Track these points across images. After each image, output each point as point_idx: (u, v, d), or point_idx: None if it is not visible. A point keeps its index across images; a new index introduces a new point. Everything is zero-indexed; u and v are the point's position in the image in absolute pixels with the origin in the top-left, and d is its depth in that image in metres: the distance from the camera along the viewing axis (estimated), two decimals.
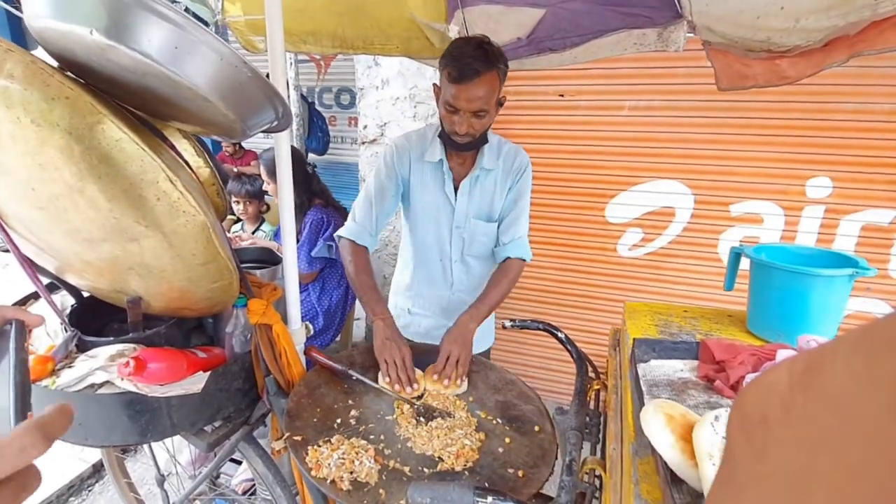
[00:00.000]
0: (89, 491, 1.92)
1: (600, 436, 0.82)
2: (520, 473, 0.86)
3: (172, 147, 0.88)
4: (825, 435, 0.15)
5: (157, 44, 0.58)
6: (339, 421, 0.97)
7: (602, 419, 0.84)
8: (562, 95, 2.28)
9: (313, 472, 0.81)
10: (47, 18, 0.58)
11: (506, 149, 1.42)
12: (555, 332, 1.02)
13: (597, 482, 0.71)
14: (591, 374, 0.97)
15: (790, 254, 0.92)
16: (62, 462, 1.89)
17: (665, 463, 0.49)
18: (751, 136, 2.01)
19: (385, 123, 2.67)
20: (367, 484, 0.81)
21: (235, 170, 4.11)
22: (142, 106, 0.79)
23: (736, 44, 1.20)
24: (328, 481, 0.80)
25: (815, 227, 2.06)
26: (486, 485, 0.84)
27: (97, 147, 0.66)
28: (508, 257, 1.39)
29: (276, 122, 0.82)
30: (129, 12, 0.56)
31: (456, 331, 1.21)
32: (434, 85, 1.33)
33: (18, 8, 0.70)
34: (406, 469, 0.86)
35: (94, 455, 1.92)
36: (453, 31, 2.12)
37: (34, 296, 1.13)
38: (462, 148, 1.30)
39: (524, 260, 1.41)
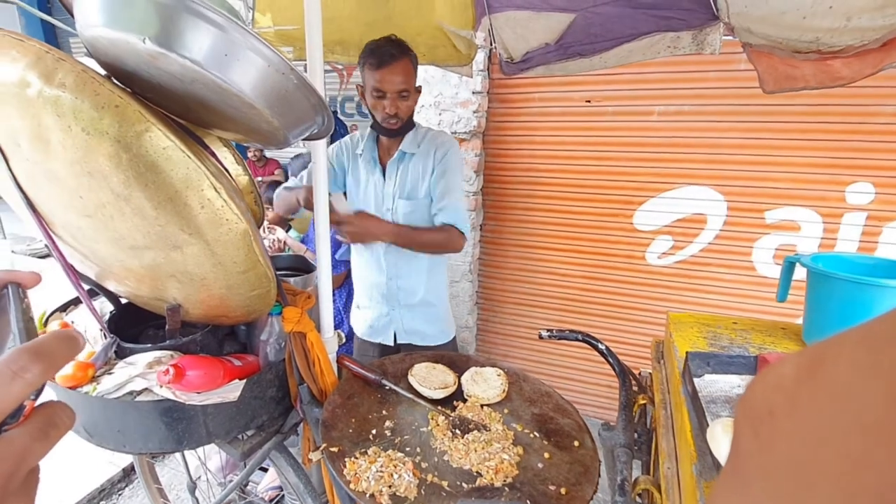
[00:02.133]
0: (119, 495, 1.94)
1: (651, 453, 0.78)
2: (562, 491, 0.83)
3: (213, 155, 0.88)
4: (830, 427, 0.15)
5: (208, 51, 0.58)
6: (374, 432, 0.95)
7: (651, 436, 0.81)
8: (589, 101, 2.25)
9: (352, 486, 0.79)
10: (100, 27, 0.59)
11: (429, 134, 1.56)
12: (595, 343, 0.99)
13: (650, 503, 0.68)
14: (635, 388, 0.93)
15: (847, 263, 0.87)
16: (93, 466, 1.91)
17: None
18: (787, 141, 1.95)
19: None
20: (407, 499, 0.79)
21: (259, 179, 4.18)
22: (185, 114, 0.79)
23: (781, 45, 1.15)
24: (367, 495, 0.78)
25: (856, 234, 1.98)
26: (528, 502, 0.81)
27: (145, 155, 0.66)
28: (444, 223, 1.48)
29: (316, 129, 0.82)
30: (181, 20, 0.56)
31: (371, 218, 1.41)
32: (357, 86, 1.51)
33: (55, 16, 0.71)
34: (444, 484, 0.84)
35: (124, 459, 1.94)
36: (480, 38, 2.12)
37: (74, 301, 1.15)
38: (392, 133, 1.48)
39: (461, 232, 1.47)
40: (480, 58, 2.26)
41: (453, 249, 1.51)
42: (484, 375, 1.14)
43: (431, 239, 1.48)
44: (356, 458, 0.85)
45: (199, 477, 1.47)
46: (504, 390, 1.10)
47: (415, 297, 1.60)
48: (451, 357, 1.27)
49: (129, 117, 0.65)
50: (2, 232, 4.40)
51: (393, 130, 1.47)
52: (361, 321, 1.72)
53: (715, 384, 0.71)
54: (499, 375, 1.14)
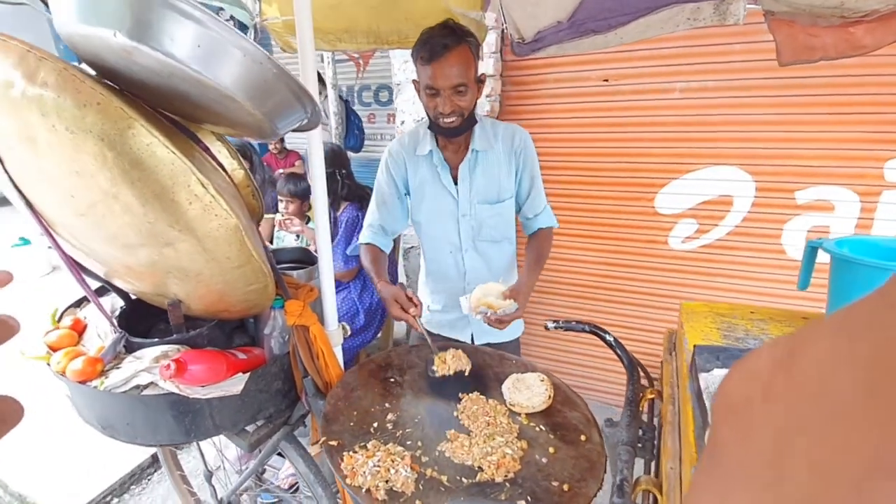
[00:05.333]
0: (148, 480, 2.02)
1: (655, 452, 0.74)
2: (565, 487, 0.81)
3: (206, 150, 0.88)
4: (807, 415, 0.15)
5: (180, 43, 0.56)
6: (375, 425, 0.95)
7: (657, 433, 0.77)
8: (606, 80, 2.15)
9: (348, 480, 0.79)
10: (74, 24, 0.58)
11: (501, 128, 1.41)
12: (603, 334, 0.95)
13: None
14: (644, 382, 0.89)
15: (877, 247, 0.80)
16: (124, 452, 2.00)
17: None
18: (820, 116, 1.81)
19: (422, 118, 2.63)
20: (403, 494, 0.78)
21: (280, 171, 4.22)
22: (174, 109, 0.79)
23: (804, 11, 1.06)
24: (363, 490, 0.77)
25: (895, 214, 1.85)
26: (529, 499, 0.78)
27: (128, 152, 0.65)
28: (540, 228, 1.44)
29: (305, 121, 0.80)
30: (151, 11, 0.54)
31: (522, 287, 1.27)
32: (413, 81, 1.33)
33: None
34: (444, 479, 0.82)
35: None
36: (490, 19, 2.05)
37: (87, 298, 1.18)
38: (452, 133, 1.30)
39: (553, 227, 1.46)
40: (492, 39, 2.20)
41: None
42: (526, 382, 1.06)
43: (545, 257, 1.40)
44: (354, 452, 0.85)
45: (219, 467, 1.51)
46: (549, 396, 1.02)
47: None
48: (465, 349, 1.25)
49: (112, 114, 0.64)
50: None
51: (452, 129, 1.28)
52: (433, 324, 1.58)
53: None
54: (542, 381, 1.05)
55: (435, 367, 1.13)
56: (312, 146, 0.94)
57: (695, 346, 0.69)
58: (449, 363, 1.14)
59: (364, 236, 1.47)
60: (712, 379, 0.67)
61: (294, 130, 0.82)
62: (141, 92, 0.72)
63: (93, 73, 0.71)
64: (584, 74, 2.17)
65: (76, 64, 0.68)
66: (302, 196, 2.34)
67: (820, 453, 0.14)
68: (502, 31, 2.15)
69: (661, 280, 2.29)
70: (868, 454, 0.13)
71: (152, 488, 1.98)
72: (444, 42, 1.18)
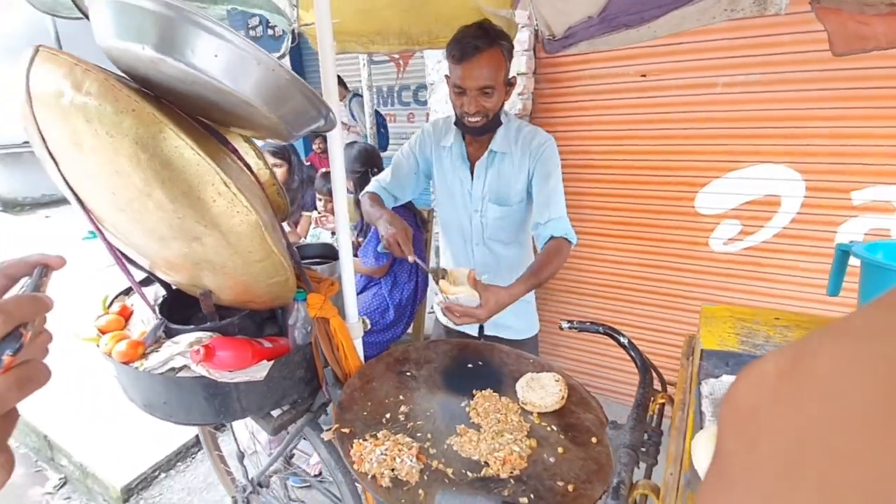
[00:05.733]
0: (192, 458, 2.17)
1: (660, 458, 0.73)
2: (570, 488, 0.80)
3: (235, 151, 0.94)
4: (814, 423, 0.15)
5: (200, 54, 0.61)
6: (388, 416, 0.98)
7: (664, 438, 0.75)
8: (644, 76, 2.09)
9: (356, 466, 0.83)
10: (110, 38, 0.64)
11: (524, 131, 1.39)
12: (616, 336, 0.93)
13: None
14: (657, 386, 0.87)
15: None
16: (171, 431, 2.15)
17: None
18: (879, 110, 1.67)
19: (449, 115, 2.65)
20: (408, 483, 0.81)
21: (322, 170, 4.38)
22: (205, 114, 0.85)
23: None
24: (369, 476, 0.81)
25: None
26: (532, 496, 0.79)
27: (159, 154, 0.72)
28: (552, 236, 1.30)
29: (323, 122, 0.84)
30: (173, 27, 0.59)
31: (499, 290, 1.14)
32: (445, 76, 1.34)
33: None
34: (449, 471, 0.84)
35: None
36: (521, 17, 2.04)
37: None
38: (475, 131, 1.32)
39: (570, 242, 1.30)
40: (525, 37, 2.18)
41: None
42: (541, 381, 1.06)
43: (554, 269, 1.25)
44: (364, 440, 0.88)
45: (254, 451, 1.61)
46: (563, 397, 1.02)
47: None
48: (477, 347, 1.26)
49: (145, 119, 0.71)
50: None
51: (474, 129, 1.31)
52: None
53: None
54: (557, 381, 1.05)
55: (441, 293, 1.12)
56: (333, 146, 0.98)
57: (702, 350, 0.67)
58: (458, 280, 1.14)
59: (370, 187, 1.53)
60: (720, 385, 0.65)
61: (313, 132, 0.86)
62: (173, 99, 0.78)
63: (131, 82, 0.78)
64: (620, 70, 2.12)
65: (116, 74, 0.75)
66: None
67: (828, 462, 0.14)
68: (535, 28, 2.13)
69: (701, 283, 2.19)
70: (882, 463, 0.12)
71: (195, 466, 2.13)
72: (475, 43, 1.19)
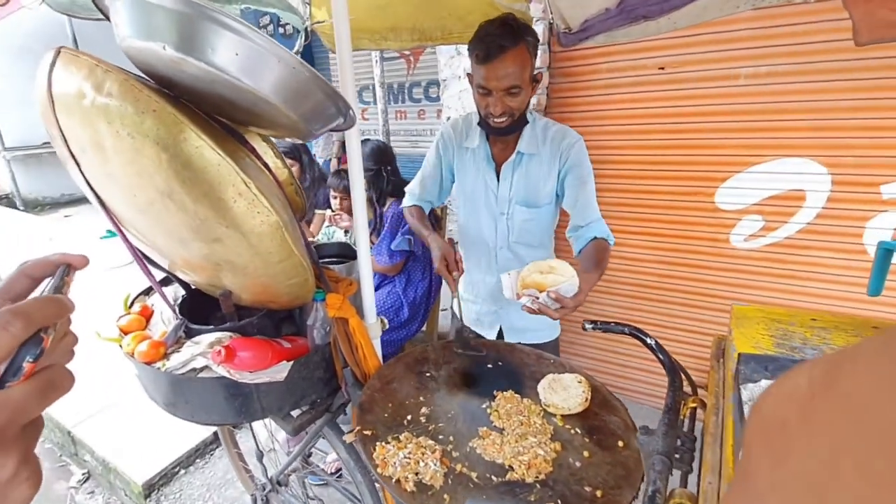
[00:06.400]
0: (211, 455, 2.19)
1: (694, 464, 0.70)
2: (598, 493, 0.78)
3: (253, 150, 0.93)
4: (847, 441, 0.14)
5: (220, 53, 0.60)
6: (409, 417, 0.97)
7: (698, 444, 0.73)
8: (662, 68, 2.04)
9: (379, 470, 0.82)
10: (130, 38, 0.63)
11: (552, 131, 1.34)
12: (643, 337, 0.90)
13: None
14: (688, 389, 0.84)
15: None
16: (191, 428, 2.17)
17: None
18: None
19: (469, 113, 2.62)
20: (432, 487, 0.79)
21: (336, 167, 4.38)
22: (223, 113, 0.84)
23: None
24: (393, 480, 0.80)
25: None
26: (559, 502, 0.77)
27: (181, 154, 0.71)
28: (595, 237, 1.27)
29: (342, 120, 0.83)
30: (193, 26, 0.58)
31: (584, 275, 1.08)
32: (468, 74, 1.30)
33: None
34: (473, 475, 0.83)
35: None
36: (536, 10, 2.01)
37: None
38: (500, 132, 1.28)
39: (609, 243, 1.28)
40: (539, 31, 2.14)
41: None
42: (563, 383, 1.03)
43: (604, 265, 1.21)
44: (387, 442, 0.87)
45: (271, 449, 1.61)
46: (586, 398, 0.98)
47: None
48: (496, 347, 1.25)
49: (166, 120, 0.70)
50: None
51: (500, 129, 1.27)
52: (466, 310, 1.58)
53: None
54: (580, 383, 1.02)
55: (528, 291, 1.03)
56: (351, 145, 0.97)
57: (739, 354, 0.64)
58: (556, 270, 1.04)
59: (407, 200, 1.55)
60: (758, 390, 0.62)
61: (332, 130, 0.85)
62: (193, 98, 0.77)
63: (151, 82, 0.78)
64: (639, 63, 2.07)
65: (136, 74, 0.74)
66: (347, 191, 2.40)
67: (861, 483, 0.13)
68: (550, 21, 2.09)
69: (720, 281, 2.14)
70: None
71: (214, 463, 2.15)
72: (500, 42, 1.14)
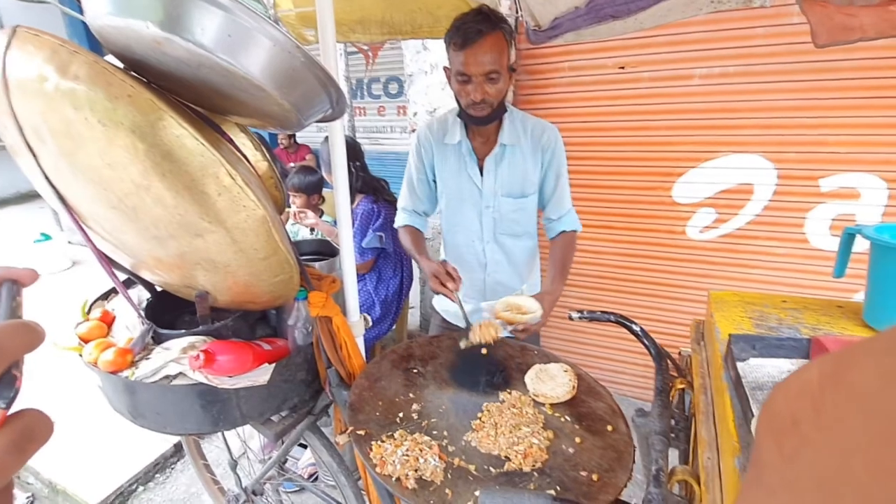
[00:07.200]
0: (172, 469, 2.06)
1: (689, 441, 0.74)
2: (594, 477, 0.80)
3: (231, 141, 0.88)
4: (858, 437, 0.14)
5: (210, 33, 0.56)
6: (401, 415, 0.95)
7: (690, 423, 0.76)
8: (622, 67, 2.12)
9: (378, 469, 0.80)
10: (106, 15, 0.58)
11: (531, 123, 1.38)
12: (629, 324, 0.94)
13: (687, 495, 0.64)
14: (673, 372, 0.88)
15: None
16: (148, 441, 2.04)
17: None
18: (845, 100, 1.77)
19: (435, 109, 2.61)
20: (433, 483, 0.78)
21: (291, 165, 4.22)
22: (200, 101, 0.79)
23: None
24: (393, 479, 0.78)
25: None
26: (558, 488, 0.78)
27: (159, 144, 0.66)
28: (563, 231, 1.41)
29: (330, 111, 0.80)
30: (182, 3, 0.54)
31: (545, 296, 1.23)
32: (444, 68, 1.32)
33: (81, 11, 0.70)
34: (471, 468, 0.83)
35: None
36: (505, 7, 2.03)
37: (115, 290, 1.20)
38: (482, 121, 1.29)
39: (576, 231, 1.44)
40: None
41: None
42: (550, 372, 1.06)
43: (570, 263, 1.39)
44: (382, 441, 0.85)
45: (244, 453, 1.54)
46: (574, 387, 1.01)
47: (512, 292, 1.48)
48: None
49: (142, 106, 0.64)
50: (59, 224, 4.69)
51: (481, 118, 1.27)
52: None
53: (761, 369, 0.65)
54: (565, 371, 1.06)
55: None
56: (335, 138, 0.94)
57: (730, 335, 0.68)
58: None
59: (399, 220, 1.52)
60: (749, 368, 0.66)
61: (318, 121, 0.82)
62: (169, 84, 0.72)
63: (122, 65, 0.71)
64: (600, 62, 2.14)
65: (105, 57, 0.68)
66: (307, 190, 2.31)
67: (872, 478, 0.14)
68: (516, 18, 2.11)
69: (680, 270, 2.26)
70: None
71: (176, 477, 2.02)
72: (478, 28, 1.16)
